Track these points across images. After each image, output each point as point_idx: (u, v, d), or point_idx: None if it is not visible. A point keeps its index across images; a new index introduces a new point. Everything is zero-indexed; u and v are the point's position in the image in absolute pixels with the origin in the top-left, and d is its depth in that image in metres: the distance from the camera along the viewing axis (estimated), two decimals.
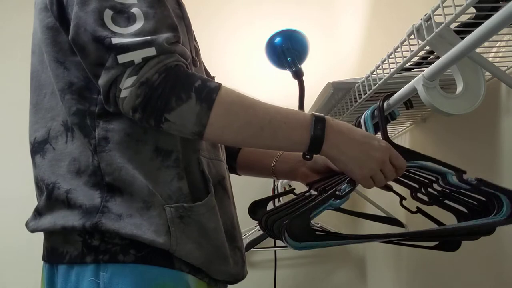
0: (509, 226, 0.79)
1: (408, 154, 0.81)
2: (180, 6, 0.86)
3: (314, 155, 0.78)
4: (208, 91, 0.71)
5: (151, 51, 0.69)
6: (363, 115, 0.89)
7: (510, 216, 0.77)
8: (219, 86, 0.72)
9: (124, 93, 0.69)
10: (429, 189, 0.86)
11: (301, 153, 0.79)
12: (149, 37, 0.69)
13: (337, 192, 0.78)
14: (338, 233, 0.90)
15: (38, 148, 0.82)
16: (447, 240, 0.88)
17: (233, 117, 0.73)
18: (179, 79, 0.70)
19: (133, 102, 0.69)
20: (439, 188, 0.84)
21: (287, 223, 0.74)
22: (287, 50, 1.60)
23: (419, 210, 0.91)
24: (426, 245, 0.88)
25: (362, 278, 1.84)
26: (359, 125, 0.90)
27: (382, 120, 0.84)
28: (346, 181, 0.79)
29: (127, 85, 0.69)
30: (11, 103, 1.83)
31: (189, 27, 0.87)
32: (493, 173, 0.95)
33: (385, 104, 0.87)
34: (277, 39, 1.61)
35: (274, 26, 1.63)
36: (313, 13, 1.95)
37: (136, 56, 0.68)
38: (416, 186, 0.87)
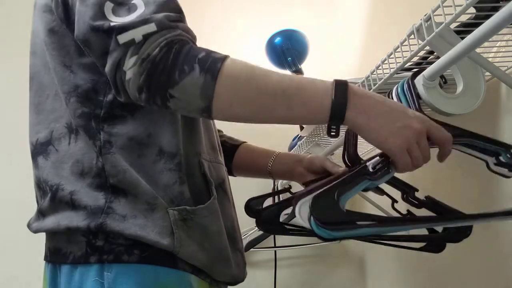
0: (509, 227, 0.79)
1: (449, 129, 0.69)
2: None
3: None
4: (212, 61, 0.66)
5: (151, 27, 0.66)
6: (394, 89, 0.81)
7: None
8: (225, 56, 0.67)
9: (128, 74, 0.66)
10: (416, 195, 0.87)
11: (323, 130, 0.74)
12: (148, 16, 0.67)
13: (369, 169, 0.67)
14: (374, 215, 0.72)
15: (40, 149, 0.82)
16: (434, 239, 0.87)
17: (242, 86, 0.67)
18: (182, 51, 0.66)
19: (138, 81, 0.66)
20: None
21: (311, 205, 0.61)
22: (287, 50, 1.60)
23: (409, 213, 0.91)
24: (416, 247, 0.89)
25: (362, 278, 1.83)
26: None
27: (413, 97, 0.76)
28: (379, 156, 0.67)
29: (130, 65, 0.66)
30: (9, 102, 1.83)
31: None
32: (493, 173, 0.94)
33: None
34: (277, 39, 1.61)
35: (274, 26, 1.63)
36: (313, 13, 1.95)
37: (136, 33, 0.66)
38: (407, 190, 0.88)
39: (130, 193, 0.75)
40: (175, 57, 0.66)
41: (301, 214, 0.63)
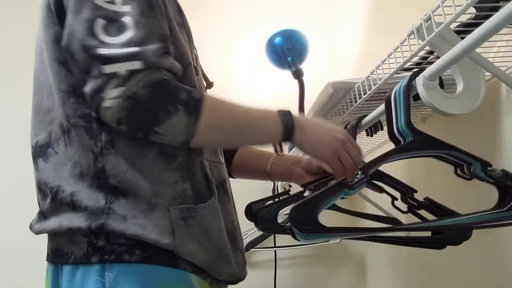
0: (509, 230, 0.79)
1: (431, 141, 0.78)
2: (181, 13, 0.87)
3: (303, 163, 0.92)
4: (194, 102, 0.74)
5: (136, 65, 0.69)
6: (395, 89, 0.82)
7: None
8: (202, 96, 0.76)
9: (107, 103, 0.70)
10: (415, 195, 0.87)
11: (275, 150, 0.92)
12: (136, 48, 0.70)
13: (346, 180, 0.76)
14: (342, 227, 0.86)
15: (40, 152, 0.83)
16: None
17: (217, 124, 0.78)
18: (165, 93, 0.72)
19: (117, 114, 0.70)
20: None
21: (291, 210, 0.72)
22: (287, 50, 1.60)
23: (409, 210, 0.91)
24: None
25: (362, 278, 1.84)
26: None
27: (407, 100, 0.78)
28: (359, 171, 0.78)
29: (111, 95, 0.69)
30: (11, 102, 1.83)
31: (190, 35, 0.88)
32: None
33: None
34: (277, 39, 1.61)
35: (275, 26, 1.63)
36: (314, 13, 1.95)
37: (121, 68, 0.69)
38: (405, 191, 0.89)
39: (130, 193, 0.76)
40: (160, 98, 0.71)
41: None
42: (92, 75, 0.70)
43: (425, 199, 0.86)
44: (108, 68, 0.69)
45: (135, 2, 0.73)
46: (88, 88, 0.71)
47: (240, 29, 1.94)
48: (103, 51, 0.70)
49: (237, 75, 1.90)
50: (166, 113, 0.71)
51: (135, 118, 0.71)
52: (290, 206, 0.92)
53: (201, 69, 0.95)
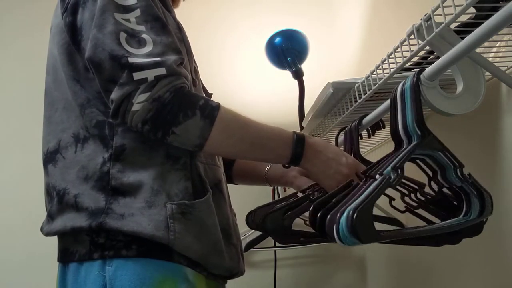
0: (509, 228, 0.79)
1: (435, 141, 0.77)
2: (181, 31, 0.94)
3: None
4: (210, 109, 0.81)
5: (161, 71, 0.77)
6: (400, 86, 0.79)
7: (480, 215, 0.75)
8: (219, 105, 0.82)
9: (136, 107, 0.77)
10: (417, 195, 0.87)
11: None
12: (158, 58, 0.78)
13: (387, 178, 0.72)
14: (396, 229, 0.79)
15: (50, 157, 0.89)
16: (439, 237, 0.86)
17: (230, 133, 0.84)
18: (186, 98, 0.79)
19: (144, 115, 0.77)
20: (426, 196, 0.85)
21: (355, 219, 0.64)
22: (287, 50, 1.60)
23: (407, 209, 0.92)
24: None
25: (362, 279, 1.83)
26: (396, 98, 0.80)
27: (417, 99, 0.76)
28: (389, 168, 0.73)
29: (140, 100, 0.76)
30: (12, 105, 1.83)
31: (189, 50, 0.95)
32: (493, 173, 0.94)
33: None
34: (277, 39, 1.61)
35: (275, 26, 1.63)
36: (313, 13, 1.95)
37: (149, 74, 0.76)
38: (406, 192, 0.89)
39: (130, 194, 0.81)
40: (181, 102, 0.79)
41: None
42: (120, 83, 0.77)
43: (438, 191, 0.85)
44: (138, 75, 0.76)
45: (148, 23, 0.81)
46: (115, 95, 0.77)
47: (240, 28, 1.94)
48: (131, 59, 0.77)
49: (237, 76, 1.90)
50: (185, 115, 0.78)
51: (158, 119, 0.77)
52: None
53: (200, 81, 1.00)
